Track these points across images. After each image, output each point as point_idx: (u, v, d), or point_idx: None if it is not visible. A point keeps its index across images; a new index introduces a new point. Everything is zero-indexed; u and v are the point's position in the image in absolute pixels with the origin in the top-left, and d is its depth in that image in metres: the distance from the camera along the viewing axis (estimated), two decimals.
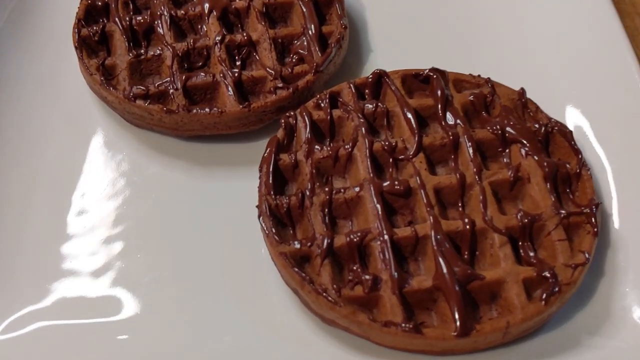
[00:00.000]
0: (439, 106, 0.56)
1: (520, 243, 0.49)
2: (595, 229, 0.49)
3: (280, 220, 0.51)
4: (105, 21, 0.63)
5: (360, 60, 0.65)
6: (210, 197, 0.57)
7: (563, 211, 0.50)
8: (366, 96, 0.58)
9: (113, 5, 0.63)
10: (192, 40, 0.61)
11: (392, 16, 0.67)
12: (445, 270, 0.47)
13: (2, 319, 0.49)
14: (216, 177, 0.58)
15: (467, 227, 0.49)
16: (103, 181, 0.58)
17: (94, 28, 0.62)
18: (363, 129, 0.55)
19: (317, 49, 0.61)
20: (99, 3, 0.64)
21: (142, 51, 0.61)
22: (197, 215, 0.56)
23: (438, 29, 0.66)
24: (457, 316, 0.45)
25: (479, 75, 0.58)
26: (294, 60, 0.61)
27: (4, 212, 0.54)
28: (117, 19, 0.62)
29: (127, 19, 0.62)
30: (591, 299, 0.50)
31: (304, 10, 0.63)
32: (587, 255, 0.48)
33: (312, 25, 0.62)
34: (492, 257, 0.49)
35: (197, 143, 0.59)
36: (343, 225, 0.52)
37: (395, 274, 0.47)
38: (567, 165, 0.53)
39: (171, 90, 0.58)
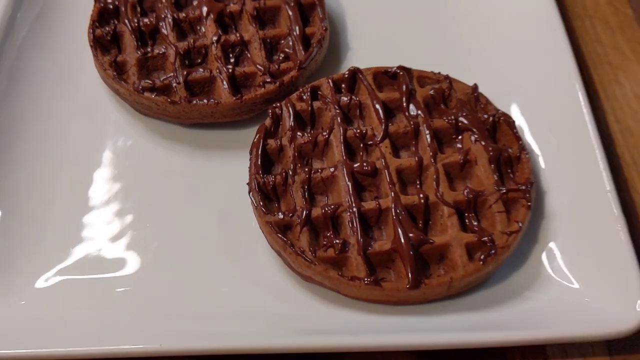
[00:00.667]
0: (404, 99, 0.65)
1: (466, 214, 0.59)
2: (529, 203, 0.59)
3: (267, 195, 0.60)
4: (116, 22, 0.72)
5: (339, 58, 0.74)
6: (208, 177, 0.65)
7: (503, 188, 0.59)
8: (342, 90, 0.67)
9: (123, 8, 0.72)
10: (192, 40, 0.70)
11: (368, 18, 0.76)
12: (401, 236, 0.56)
13: (37, 275, 0.59)
14: (213, 159, 0.67)
15: (422, 201, 0.58)
16: (116, 162, 0.66)
17: (106, 29, 0.70)
18: (339, 118, 0.64)
19: (301, 48, 0.70)
20: (110, 6, 0.72)
21: (149, 49, 0.69)
22: (197, 192, 0.64)
23: (407, 30, 0.75)
24: (409, 272, 0.55)
25: (439, 73, 0.68)
26: (280, 57, 0.70)
27: (33, 188, 0.64)
28: (126, 20, 0.71)
29: (135, 20, 0.71)
30: (525, 261, 0.59)
31: (290, 13, 0.71)
32: (520, 225, 0.58)
33: (297, 27, 0.71)
34: (442, 226, 0.58)
35: (197, 130, 0.68)
36: (320, 200, 0.61)
37: (361, 239, 0.56)
38: (509, 150, 0.62)
39: (174, 84, 0.67)
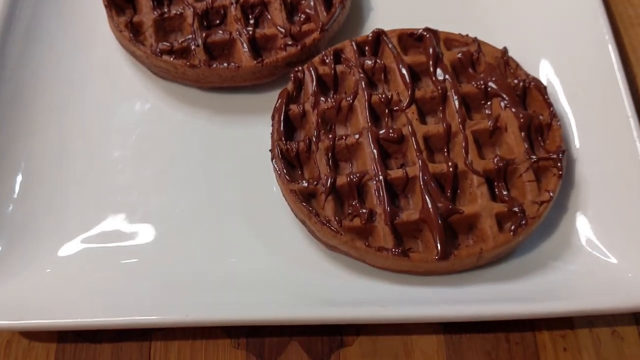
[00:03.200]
0: (430, 62, 0.63)
1: (495, 183, 0.57)
2: (560, 172, 0.57)
3: (290, 162, 0.59)
4: None
5: (361, 19, 0.72)
6: (228, 142, 0.64)
7: (534, 156, 0.58)
8: (366, 53, 0.65)
9: None
10: (210, 0, 0.67)
11: None
12: (430, 206, 0.55)
13: (59, 243, 0.58)
14: (233, 124, 0.65)
15: (451, 169, 0.57)
16: (133, 127, 0.65)
17: None
18: (363, 83, 0.62)
19: (322, 9, 0.67)
20: None
21: (166, 10, 0.67)
22: (217, 157, 0.63)
23: None
24: (438, 243, 0.54)
25: (467, 35, 0.65)
26: (301, 19, 0.67)
27: (51, 153, 0.62)
28: None
29: None
30: (554, 231, 0.58)
31: None
32: (551, 194, 0.56)
33: None
34: (471, 195, 0.57)
35: (216, 94, 0.66)
36: (344, 167, 0.60)
37: (388, 208, 0.55)
38: (540, 117, 0.60)
39: (193, 47, 0.65)
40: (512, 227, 0.55)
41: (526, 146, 0.58)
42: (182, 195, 0.61)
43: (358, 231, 0.55)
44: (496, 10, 0.71)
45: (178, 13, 0.67)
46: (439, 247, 0.54)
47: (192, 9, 0.66)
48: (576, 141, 0.62)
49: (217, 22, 0.67)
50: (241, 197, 0.61)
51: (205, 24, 0.67)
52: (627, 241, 0.55)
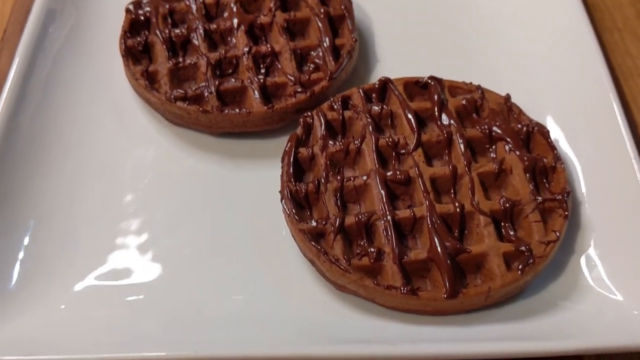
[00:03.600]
0: (436, 108, 0.65)
1: (502, 224, 0.58)
2: (566, 213, 0.58)
3: (299, 203, 0.60)
4: (147, 33, 0.72)
5: (368, 68, 0.74)
6: (238, 185, 0.65)
7: (539, 197, 0.59)
8: (373, 100, 0.67)
9: (154, 19, 0.73)
10: (223, 51, 0.70)
11: (397, 29, 0.76)
12: (438, 245, 0.56)
13: (73, 281, 0.58)
14: (244, 168, 0.66)
15: (457, 209, 0.58)
16: (146, 171, 0.66)
17: (138, 39, 0.71)
18: (370, 127, 0.64)
19: (331, 59, 0.70)
20: (142, 17, 0.73)
21: (180, 59, 0.70)
22: (228, 200, 0.64)
23: (437, 41, 0.75)
24: (447, 281, 0.54)
25: (471, 83, 0.67)
26: (310, 68, 0.70)
27: (66, 197, 0.63)
28: (157, 31, 0.71)
29: (167, 31, 0.71)
30: (562, 271, 0.58)
31: (320, 25, 0.72)
32: (557, 234, 0.57)
33: (327, 39, 0.71)
34: (478, 235, 0.57)
35: (228, 139, 0.68)
36: (352, 208, 0.61)
37: (396, 247, 0.56)
38: (544, 160, 0.61)
39: (206, 94, 0.67)
40: (520, 266, 0.55)
41: (531, 188, 0.59)
42: (193, 236, 0.62)
43: (367, 270, 0.56)
44: (499, 62, 0.73)
45: (192, 63, 0.69)
46: (448, 286, 0.54)
47: (205, 59, 0.69)
48: (582, 185, 0.63)
49: (230, 71, 0.70)
50: (251, 238, 0.62)
51: (218, 73, 0.69)
52: (632, 279, 0.56)
